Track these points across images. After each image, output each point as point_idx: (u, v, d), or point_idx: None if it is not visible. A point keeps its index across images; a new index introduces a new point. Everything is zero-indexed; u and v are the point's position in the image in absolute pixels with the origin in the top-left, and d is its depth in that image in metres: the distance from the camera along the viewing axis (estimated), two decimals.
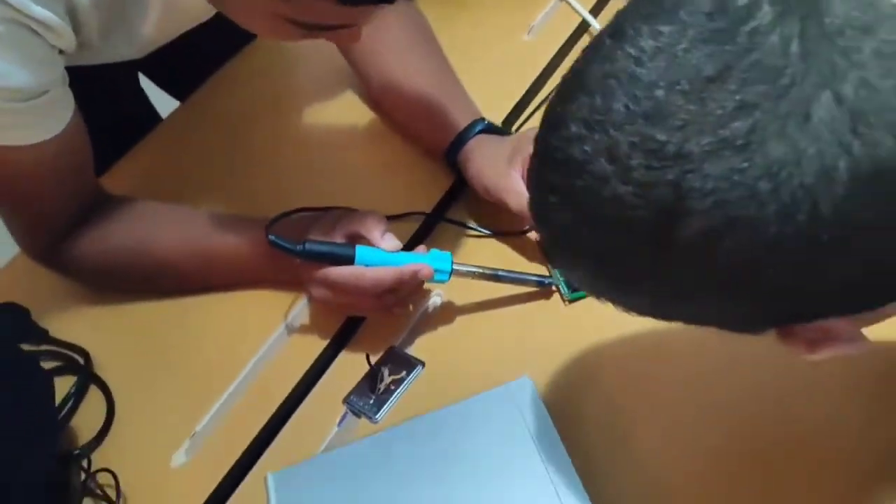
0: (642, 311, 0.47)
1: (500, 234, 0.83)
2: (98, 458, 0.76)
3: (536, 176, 0.46)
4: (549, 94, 0.46)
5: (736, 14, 0.39)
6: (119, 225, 0.84)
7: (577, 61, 0.44)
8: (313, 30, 0.67)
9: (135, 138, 1.05)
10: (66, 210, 0.82)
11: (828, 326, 0.45)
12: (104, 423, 0.79)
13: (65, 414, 0.80)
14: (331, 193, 0.86)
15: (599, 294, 0.47)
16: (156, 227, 0.84)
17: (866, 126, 0.37)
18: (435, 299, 0.81)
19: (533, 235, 0.81)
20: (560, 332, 0.76)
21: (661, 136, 0.38)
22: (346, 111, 1.00)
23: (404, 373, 0.76)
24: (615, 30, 0.42)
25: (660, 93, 0.39)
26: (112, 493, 0.73)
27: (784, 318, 0.45)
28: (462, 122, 0.85)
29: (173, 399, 0.80)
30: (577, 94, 0.42)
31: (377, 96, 0.95)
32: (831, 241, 0.38)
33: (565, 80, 0.44)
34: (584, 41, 1.00)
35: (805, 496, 0.63)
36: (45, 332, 0.86)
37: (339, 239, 0.75)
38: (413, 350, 0.78)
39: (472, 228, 0.85)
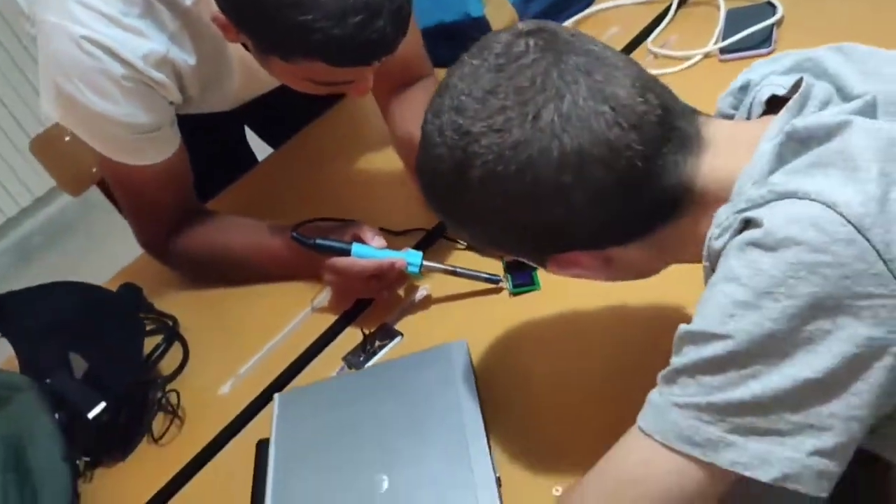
0: (472, 240, 0.74)
1: (473, 248, 1.09)
2: (171, 387, 1.07)
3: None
4: None
5: (512, 55, 0.65)
6: (207, 230, 1.16)
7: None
8: (328, 85, 0.97)
9: (235, 176, 1.40)
10: (170, 215, 1.15)
11: (573, 258, 0.69)
12: (179, 365, 1.10)
13: (155, 357, 1.12)
14: (367, 213, 1.15)
15: (443, 220, 0.73)
16: (231, 232, 1.16)
17: (572, 126, 0.63)
18: (422, 291, 1.08)
19: None
20: (502, 316, 1.00)
21: (460, 121, 0.65)
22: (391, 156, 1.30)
23: (388, 340, 1.03)
24: (459, 59, 0.69)
25: (463, 97, 0.65)
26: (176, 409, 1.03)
27: (543, 249, 0.70)
28: None
29: (228, 350, 1.10)
30: (433, 95, 0.69)
31: (398, 146, 1.23)
32: (549, 195, 0.64)
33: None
34: None
35: None
36: (151, 304, 1.19)
37: (346, 239, 1.04)
38: (399, 325, 1.05)
39: (458, 242, 1.11)
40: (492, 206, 0.66)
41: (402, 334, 1.03)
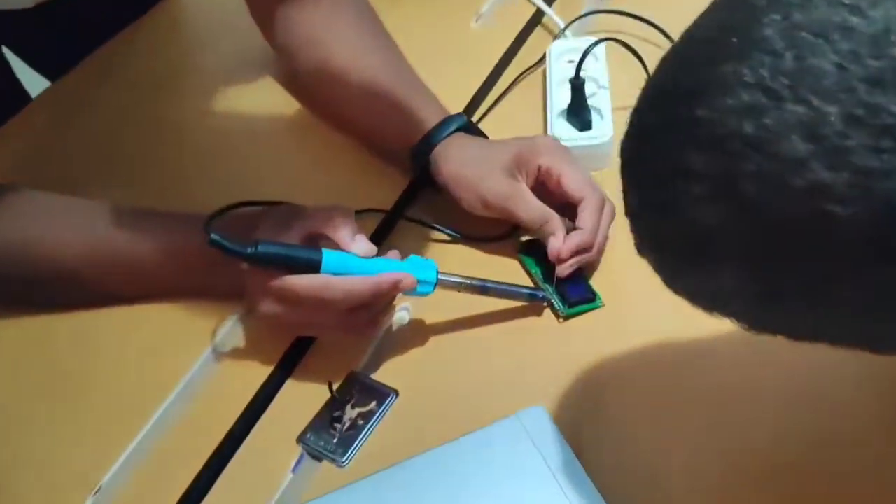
0: (789, 331, 0.37)
1: (474, 238, 0.71)
2: None
3: (652, 162, 0.36)
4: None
5: None
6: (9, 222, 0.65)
7: (714, 7, 0.35)
8: None
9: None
10: None
11: None
12: None
13: None
14: (256, 188, 0.70)
15: (721, 309, 0.38)
16: (45, 221, 0.66)
17: None
18: (402, 314, 0.68)
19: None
20: (558, 352, 0.64)
21: (880, 101, 0.29)
22: (263, 96, 0.86)
23: (374, 404, 0.62)
24: None
25: (894, 50, 0.30)
26: None
27: None
28: (430, 118, 0.72)
29: (71, 443, 0.62)
30: (744, 52, 0.32)
31: (309, 86, 0.80)
32: None
33: (704, 37, 0.35)
34: (538, 32, 0.90)
35: None
36: None
37: (294, 241, 0.61)
38: (379, 376, 0.64)
39: (440, 230, 0.72)
40: None
41: (395, 392, 0.63)
